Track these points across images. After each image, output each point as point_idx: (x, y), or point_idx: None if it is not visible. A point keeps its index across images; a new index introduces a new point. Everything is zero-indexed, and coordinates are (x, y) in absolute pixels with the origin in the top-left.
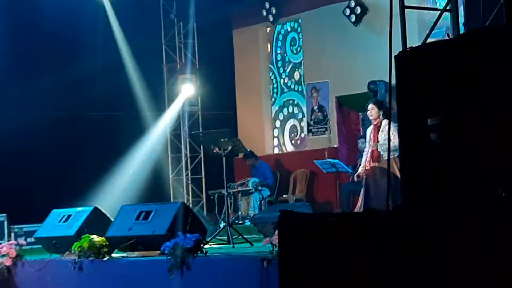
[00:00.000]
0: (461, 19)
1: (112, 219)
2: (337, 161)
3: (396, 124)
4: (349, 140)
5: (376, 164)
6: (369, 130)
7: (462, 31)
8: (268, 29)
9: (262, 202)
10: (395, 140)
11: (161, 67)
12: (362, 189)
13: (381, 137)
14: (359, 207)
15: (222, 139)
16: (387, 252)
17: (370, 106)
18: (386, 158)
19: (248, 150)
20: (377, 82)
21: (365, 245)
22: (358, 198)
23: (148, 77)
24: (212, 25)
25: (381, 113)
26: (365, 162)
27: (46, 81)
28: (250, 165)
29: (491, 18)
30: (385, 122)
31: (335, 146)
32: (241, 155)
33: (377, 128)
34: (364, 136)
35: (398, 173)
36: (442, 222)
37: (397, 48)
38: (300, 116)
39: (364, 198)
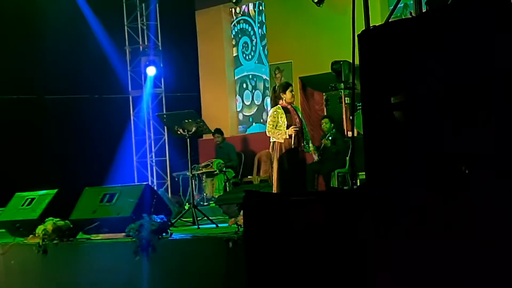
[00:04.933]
0: None
1: (76, 202)
2: None
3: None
4: (313, 121)
5: None
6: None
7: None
8: (231, 9)
9: (227, 183)
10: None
11: (123, 49)
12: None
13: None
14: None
15: (186, 121)
16: (350, 230)
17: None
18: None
19: (212, 131)
20: (341, 62)
21: (330, 223)
22: (322, 178)
23: (110, 59)
24: (175, 6)
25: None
26: None
27: (5, 63)
28: (217, 143)
29: None
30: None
31: None
32: (205, 136)
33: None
34: (328, 117)
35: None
36: (406, 202)
37: (361, 28)
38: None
39: None
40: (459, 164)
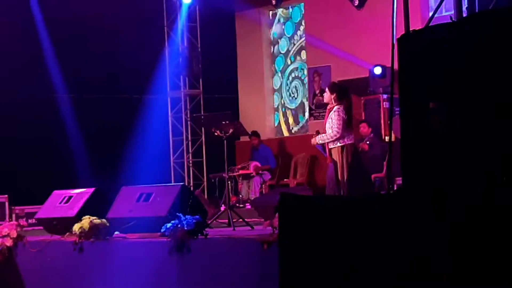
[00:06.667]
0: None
1: (113, 201)
2: None
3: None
4: None
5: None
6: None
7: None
8: (271, 12)
9: (263, 185)
10: (332, 129)
11: (163, 50)
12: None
13: (327, 124)
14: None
15: (223, 122)
16: (385, 233)
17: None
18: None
19: (250, 133)
20: (382, 67)
21: (364, 227)
22: None
23: (150, 60)
24: (215, 8)
25: (333, 97)
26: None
27: (44, 63)
28: (254, 145)
29: (494, 2)
30: (335, 108)
31: None
32: (242, 138)
33: (329, 112)
34: (365, 121)
35: (339, 162)
36: (439, 206)
37: (401, 32)
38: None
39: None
40: (498, 172)
